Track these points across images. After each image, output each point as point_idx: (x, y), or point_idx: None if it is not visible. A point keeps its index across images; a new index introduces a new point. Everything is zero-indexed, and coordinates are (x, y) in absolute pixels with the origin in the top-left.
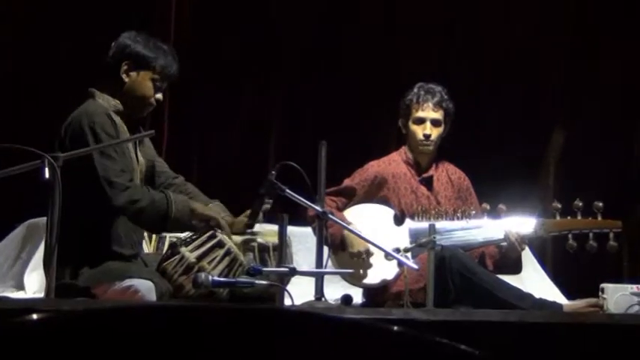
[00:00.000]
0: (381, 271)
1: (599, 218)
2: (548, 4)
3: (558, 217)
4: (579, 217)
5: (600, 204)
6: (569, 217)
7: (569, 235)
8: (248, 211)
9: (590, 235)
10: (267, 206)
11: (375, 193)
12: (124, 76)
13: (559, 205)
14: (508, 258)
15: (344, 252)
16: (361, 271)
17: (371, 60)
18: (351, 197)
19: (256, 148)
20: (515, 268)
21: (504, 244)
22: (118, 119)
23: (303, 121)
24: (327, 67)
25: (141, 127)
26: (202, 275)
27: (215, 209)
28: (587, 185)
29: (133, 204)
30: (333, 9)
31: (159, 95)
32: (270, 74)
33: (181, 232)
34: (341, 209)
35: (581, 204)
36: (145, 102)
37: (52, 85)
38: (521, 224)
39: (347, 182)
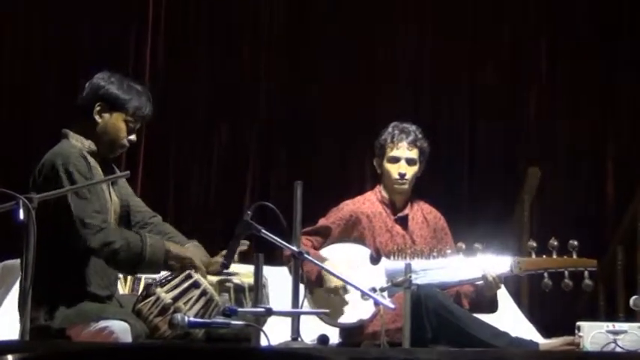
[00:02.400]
0: (357, 310)
1: (575, 257)
2: (520, 46)
3: (534, 256)
4: (554, 256)
5: (575, 243)
6: (544, 256)
7: (545, 274)
8: (224, 252)
9: (566, 273)
10: (243, 247)
11: (351, 232)
12: (97, 117)
13: (534, 244)
14: (484, 297)
15: (320, 288)
16: (337, 311)
17: (345, 100)
18: (326, 237)
19: (232, 188)
20: (491, 307)
21: (480, 282)
22: (92, 160)
23: (278, 161)
24: (301, 107)
25: (115, 167)
26: (178, 316)
27: (191, 250)
28: (561, 224)
29: (106, 246)
30: (307, 49)
31: (132, 137)
32: (245, 115)
33: (156, 274)
34: (317, 248)
35: (556, 243)
36: (118, 143)
37: (26, 126)
38: (496, 263)
39: (322, 222)
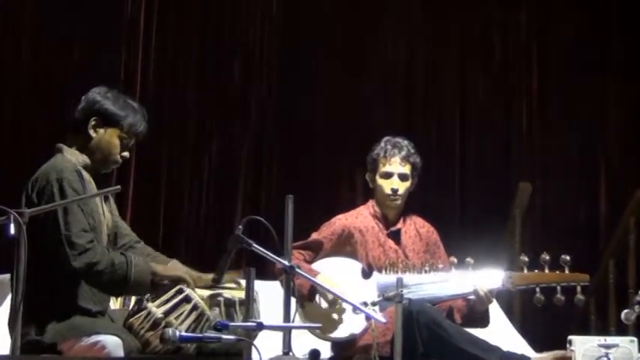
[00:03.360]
0: (348, 324)
1: (567, 272)
2: (511, 61)
3: (526, 271)
4: (546, 271)
5: (567, 257)
6: (536, 271)
7: (537, 289)
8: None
9: (558, 288)
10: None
11: (343, 246)
12: (91, 131)
13: (526, 259)
14: (476, 311)
15: (312, 302)
16: (329, 325)
17: (338, 115)
18: (318, 251)
19: (223, 202)
20: (483, 321)
21: (472, 297)
22: (86, 174)
23: (270, 175)
24: (292, 122)
25: (105, 183)
26: (169, 331)
27: (177, 267)
28: (553, 239)
29: (90, 267)
30: (298, 65)
31: (125, 153)
32: (236, 129)
33: (142, 295)
34: (309, 262)
35: (548, 257)
36: (111, 159)
37: (17, 141)
38: (488, 278)
39: (314, 236)
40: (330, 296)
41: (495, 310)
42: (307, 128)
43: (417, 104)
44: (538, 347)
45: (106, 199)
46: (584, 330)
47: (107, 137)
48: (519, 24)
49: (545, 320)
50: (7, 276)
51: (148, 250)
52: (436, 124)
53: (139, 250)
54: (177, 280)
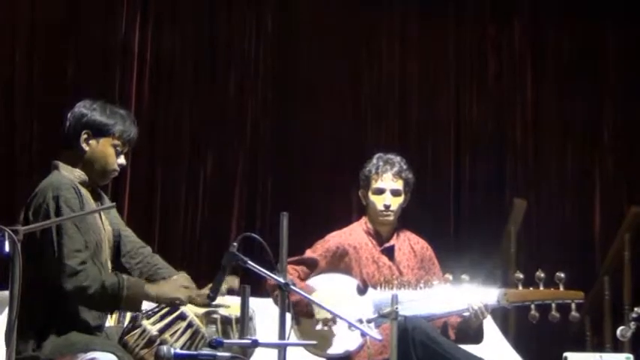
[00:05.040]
0: (344, 341)
1: (561, 289)
2: (506, 78)
3: (520, 288)
4: (541, 288)
5: (562, 275)
6: (531, 288)
7: (532, 306)
8: (210, 286)
9: (553, 305)
10: (234, 285)
11: (338, 264)
12: (84, 145)
13: (521, 276)
14: (470, 328)
15: (307, 319)
16: (324, 341)
17: (333, 132)
18: (312, 268)
19: (218, 218)
20: (477, 337)
21: (467, 314)
22: (83, 190)
23: (265, 192)
24: (287, 138)
25: (105, 196)
26: (164, 348)
27: (175, 284)
28: (548, 255)
29: (81, 291)
30: (292, 81)
31: (121, 160)
32: (231, 144)
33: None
34: (303, 279)
35: (543, 275)
36: (108, 169)
37: (13, 158)
38: (483, 294)
39: (309, 253)
40: (325, 315)
41: (490, 326)
42: (302, 145)
43: (412, 120)
44: None
45: (105, 212)
46: (580, 347)
47: (101, 148)
48: (513, 39)
49: (540, 337)
50: (6, 292)
51: (155, 259)
52: (431, 141)
53: (145, 257)
54: (170, 303)
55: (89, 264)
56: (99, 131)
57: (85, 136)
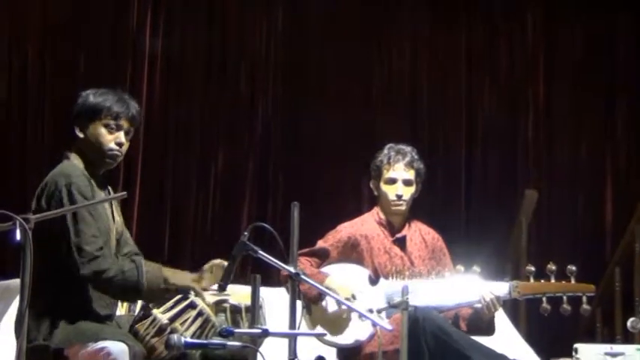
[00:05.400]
0: (354, 331)
1: (573, 282)
2: (518, 69)
3: (532, 280)
4: (552, 281)
5: (574, 268)
6: (542, 281)
7: (543, 298)
8: (212, 262)
9: (564, 298)
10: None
11: (349, 254)
12: (80, 135)
13: (532, 269)
14: (481, 320)
15: (319, 306)
16: (335, 331)
17: (344, 124)
18: (324, 259)
19: (229, 210)
20: (489, 329)
21: (478, 305)
22: (92, 180)
23: (276, 183)
24: (298, 129)
25: (111, 189)
26: (175, 337)
27: (182, 275)
28: (559, 247)
29: (99, 275)
30: (303, 73)
31: (119, 139)
32: (243, 136)
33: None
34: None
35: (554, 267)
36: (104, 149)
37: (23, 148)
38: (495, 286)
39: (320, 244)
40: (344, 291)
41: (501, 318)
42: (313, 137)
43: (423, 114)
44: (544, 355)
45: (113, 203)
46: (590, 338)
47: (92, 131)
48: (525, 33)
49: (551, 328)
50: (16, 281)
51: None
52: (442, 133)
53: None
54: (185, 289)
55: (106, 249)
56: (88, 116)
57: (79, 124)
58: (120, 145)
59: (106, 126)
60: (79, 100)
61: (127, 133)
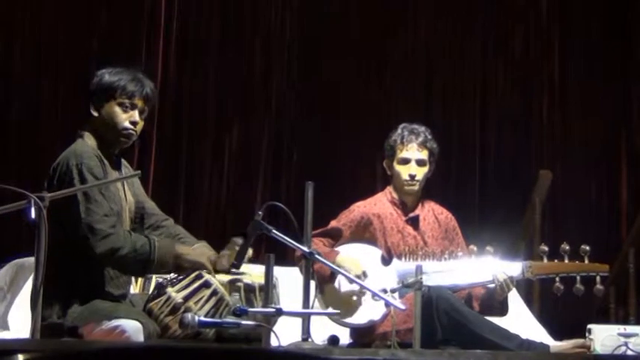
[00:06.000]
0: (368, 311)
1: (586, 262)
2: (532, 48)
3: (545, 260)
4: (566, 261)
5: (587, 248)
6: (556, 261)
7: (557, 278)
8: (229, 245)
9: (578, 278)
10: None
11: (362, 233)
12: (95, 113)
13: (546, 248)
14: (495, 300)
15: (332, 285)
16: (348, 311)
17: (359, 103)
18: (337, 238)
19: (243, 188)
20: (502, 309)
21: (491, 285)
22: (105, 160)
23: (290, 161)
24: (314, 109)
25: (128, 166)
26: (189, 316)
27: (201, 250)
28: (573, 227)
29: (113, 253)
30: (319, 50)
31: (133, 117)
32: (257, 115)
33: (166, 274)
34: None
35: (567, 247)
36: (119, 128)
37: (38, 126)
38: (508, 266)
39: (333, 224)
40: (356, 270)
41: (515, 299)
42: (328, 115)
43: (438, 93)
44: (557, 336)
45: (129, 181)
46: (604, 319)
47: (107, 110)
48: (540, 12)
49: (564, 309)
50: (31, 259)
51: (177, 229)
52: (457, 113)
53: (167, 228)
54: (197, 266)
55: (119, 227)
56: (103, 95)
57: (94, 103)
58: (134, 124)
59: (121, 105)
60: (94, 79)
61: (141, 112)
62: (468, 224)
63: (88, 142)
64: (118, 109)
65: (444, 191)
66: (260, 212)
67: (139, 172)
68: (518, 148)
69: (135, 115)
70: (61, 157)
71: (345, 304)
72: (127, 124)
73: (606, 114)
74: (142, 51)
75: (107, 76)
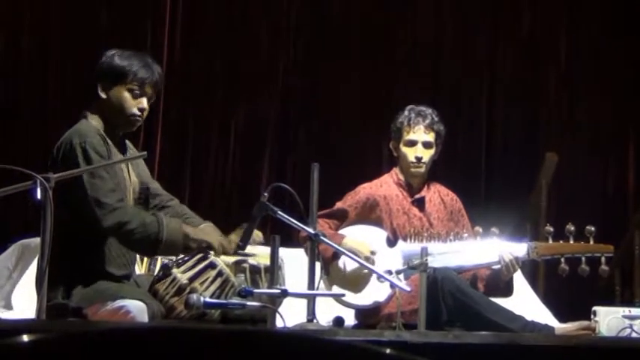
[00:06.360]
0: (373, 292)
1: (591, 242)
2: (540, 29)
3: (550, 241)
4: (571, 242)
5: (592, 228)
6: (561, 241)
7: (562, 259)
8: (239, 228)
9: (583, 259)
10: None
11: (368, 215)
12: (102, 94)
13: (551, 229)
14: (500, 280)
15: (337, 266)
16: (353, 292)
17: (365, 83)
18: (343, 220)
19: (249, 168)
20: (507, 290)
21: (497, 266)
22: (109, 140)
23: (296, 143)
24: (319, 89)
25: (132, 147)
26: (194, 296)
27: (207, 230)
28: (579, 209)
29: (121, 226)
30: (325, 30)
31: (142, 104)
32: (263, 95)
33: (173, 256)
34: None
35: (573, 228)
36: (127, 114)
37: (43, 107)
38: (513, 247)
39: (339, 205)
40: (364, 249)
41: (520, 281)
42: (334, 96)
43: (445, 74)
44: (562, 318)
45: (133, 162)
46: (609, 301)
47: (116, 94)
48: None
49: (569, 291)
50: (36, 239)
51: (183, 208)
52: (464, 94)
53: (173, 208)
54: (204, 247)
55: (126, 202)
56: (114, 78)
57: (102, 84)
58: (142, 110)
59: (130, 91)
60: (103, 59)
61: (149, 99)
62: (474, 207)
63: (91, 122)
64: (127, 95)
65: (451, 172)
66: (265, 194)
67: (145, 153)
68: (526, 128)
69: (143, 102)
70: (64, 137)
71: (350, 284)
72: (134, 110)
73: (614, 94)
74: (148, 31)
75: (117, 59)
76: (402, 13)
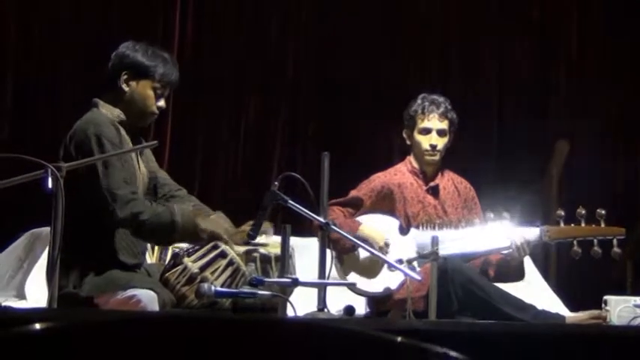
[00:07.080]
0: (385, 279)
1: (603, 225)
2: (550, 18)
3: (562, 225)
4: (583, 225)
5: (603, 211)
6: (572, 225)
7: (574, 242)
8: (251, 222)
9: (595, 241)
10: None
11: (382, 203)
12: (124, 85)
13: (562, 213)
14: (511, 266)
15: (353, 259)
16: (365, 280)
17: (375, 72)
18: (357, 208)
19: (259, 159)
20: (518, 275)
21: (508, 251)
22: (121, 129)
23: (306, 132)
24: (330, 78)
25: (142, 137)
26: (205, 285)
27: (218, 221)
28: (590, 198)
29: (135, 217)
30: (335, 21)
31: (161, 103)
32: (274, 86)
33: (186, 244)
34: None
35: (584, 212)
36: (147, 111)
37: (54, 96)
38: (525, 232)
39: (353, 193)
40: (381, 238)
41: (531, 269)
42: (344, 86)
43: (454, 62)
44: (573, 307)
45: (142, 152)
46: (620, 290)
47: (140, 89)
48: None
49: (580, 280)
50: (47, 229)
51: (191, 199)
52: (473, 82)
53: (181, 198)
54: (214, 237)
55: (139, 193)
56: (139, 73)
57: (126, 76)
58: (160, 109)
59: (155, 89)
60: (126, 51)
61: (167, 98)
62: (485, 194)
63: (102, 111)
64: (151, 93)
65: (462, 161)
66: (276, 182)
67: (156, 142)
68: (536, 116)
69: (163, 102)
70: (77, 126)
71: (365, 270)
72: (154, 108)
73: (624, 82)
74: (159, 25)
75: (143, 55)
76: (411, 3)
